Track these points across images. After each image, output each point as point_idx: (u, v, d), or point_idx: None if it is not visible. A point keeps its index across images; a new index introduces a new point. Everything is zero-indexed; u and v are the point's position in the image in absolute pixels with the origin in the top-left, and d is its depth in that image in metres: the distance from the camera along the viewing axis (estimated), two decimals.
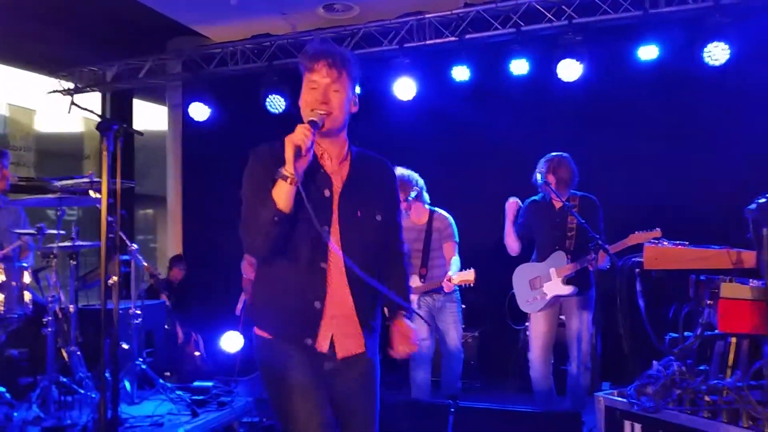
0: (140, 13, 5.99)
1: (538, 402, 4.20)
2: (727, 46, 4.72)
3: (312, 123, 1.96)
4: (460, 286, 4.29)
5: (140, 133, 4.26)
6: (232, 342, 5.43)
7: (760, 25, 4.73)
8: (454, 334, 4.35)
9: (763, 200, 2.52)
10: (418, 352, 4.25)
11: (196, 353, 5.21)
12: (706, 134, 5.16)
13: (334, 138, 2.09)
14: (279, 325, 2.07)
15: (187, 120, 6.71)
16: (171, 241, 7.26)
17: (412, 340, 2.16)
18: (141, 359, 4.12)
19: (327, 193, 2.05)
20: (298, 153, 1.89)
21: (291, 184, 1.89)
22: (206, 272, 6.58)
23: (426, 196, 4.39)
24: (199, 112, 6.35)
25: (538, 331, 4.19)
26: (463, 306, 4.56)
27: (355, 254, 2.01)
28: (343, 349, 2.06)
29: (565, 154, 4.20)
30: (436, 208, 4.44)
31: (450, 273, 4.19)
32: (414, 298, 4.26)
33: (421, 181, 4.37)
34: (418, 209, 4.39)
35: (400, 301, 2.19)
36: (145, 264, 4.30)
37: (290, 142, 1.89)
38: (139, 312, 4.13)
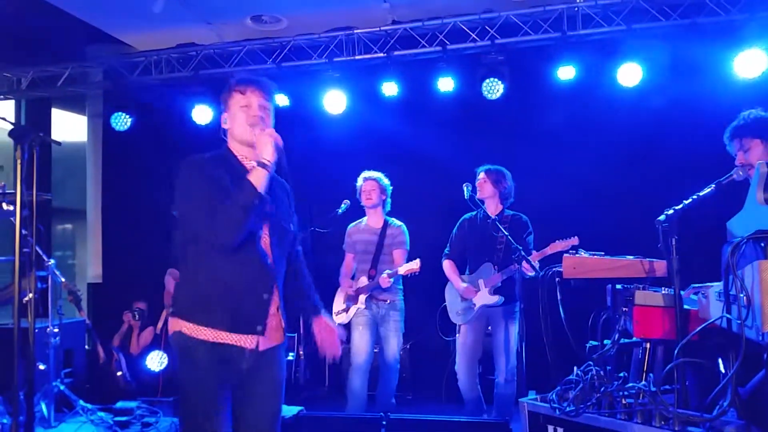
0: (57, 18, 5.72)
1: (467, 411, 4.29)
2: (639, 67, 5.02)
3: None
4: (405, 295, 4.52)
5: (58, 143, 4.05)
6: (155, 361, 5.25)
7: (667, 47, 5.04)
8: (394, 343, 4.42)
9: (671, 212, 2.68)
10: (356, 360, 4.33)
11: (119, 373, 5.00)
12: (620, 150, 5.44)
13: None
14: (229, 318, 2.20)
15: (108, 130, 6.48)
16: (91, 257, 6.95)
17: (335, 336, 2.47)
18: (59, 380, 3.93)
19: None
20: (277, 145, 2.21)
21: (269, 170, 2.18)
22: (127, 289, 6.33)
23: (388, 204, 4.64)
24: (122, 122, 6.14)
25: (464, 342, 4.29)
26: None
27: (278, 256, 2.34)
28: (272, 340, 2.29)
29: (503, 169, 4.36)
30: (392, 219, 4.63)
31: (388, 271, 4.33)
32: (361, 298, 4.47)
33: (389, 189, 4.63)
34: (377, 215, 4.58)
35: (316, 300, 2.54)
36: (63, 280, 4.11)
37: (271, 137, 2.21)
38: (56, 330, 3.94)
